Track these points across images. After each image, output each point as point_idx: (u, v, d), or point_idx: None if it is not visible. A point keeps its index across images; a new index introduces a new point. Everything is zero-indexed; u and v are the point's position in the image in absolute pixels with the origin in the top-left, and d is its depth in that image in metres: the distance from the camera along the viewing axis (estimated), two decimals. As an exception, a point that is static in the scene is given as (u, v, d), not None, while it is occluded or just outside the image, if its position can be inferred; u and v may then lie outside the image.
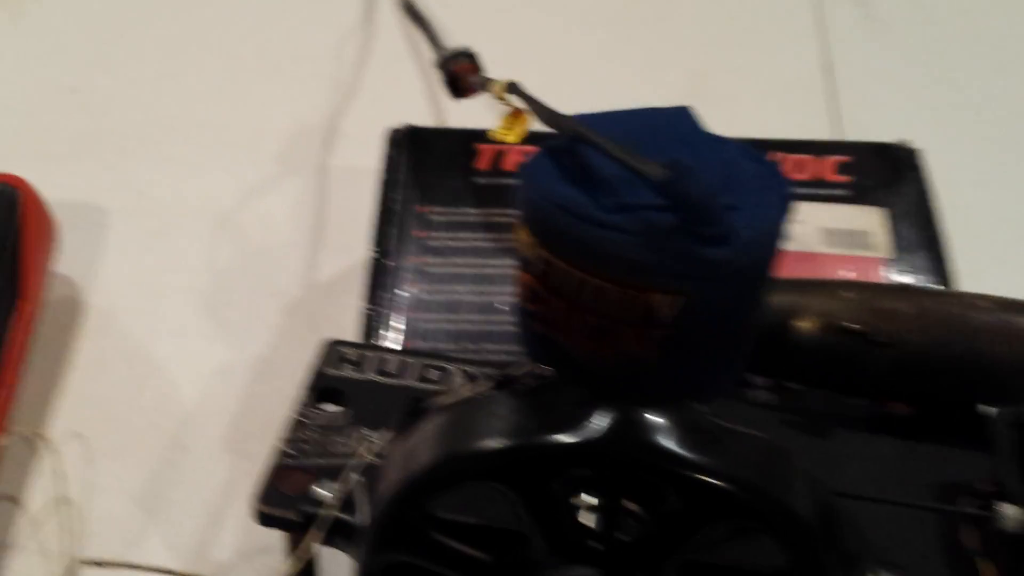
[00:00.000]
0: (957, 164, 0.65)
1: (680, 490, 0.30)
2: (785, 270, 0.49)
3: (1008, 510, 0.35)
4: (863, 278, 0.48)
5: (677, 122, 0.33)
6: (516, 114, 0.36)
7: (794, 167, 0.52)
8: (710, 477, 0.29)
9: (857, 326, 0.40)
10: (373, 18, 0.75)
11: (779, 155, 0.53)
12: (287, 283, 0.61)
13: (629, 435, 0.30)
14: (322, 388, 0.43)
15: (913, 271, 0.48)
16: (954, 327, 0.40)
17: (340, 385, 0.43)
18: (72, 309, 0.60)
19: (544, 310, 0.32)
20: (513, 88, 0.35)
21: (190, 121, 0.69)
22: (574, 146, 0.31)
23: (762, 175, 0.32)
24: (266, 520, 0.39)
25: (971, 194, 0.64)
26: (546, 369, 0.33)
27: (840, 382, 0.42)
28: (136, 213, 0.65)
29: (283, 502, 0.39)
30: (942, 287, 0.47)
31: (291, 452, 0.41)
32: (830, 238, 0.49)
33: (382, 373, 0.44)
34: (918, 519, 0.38)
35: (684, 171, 0.28)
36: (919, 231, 0.50)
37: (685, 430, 0.31)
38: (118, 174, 0.67)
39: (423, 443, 0.32)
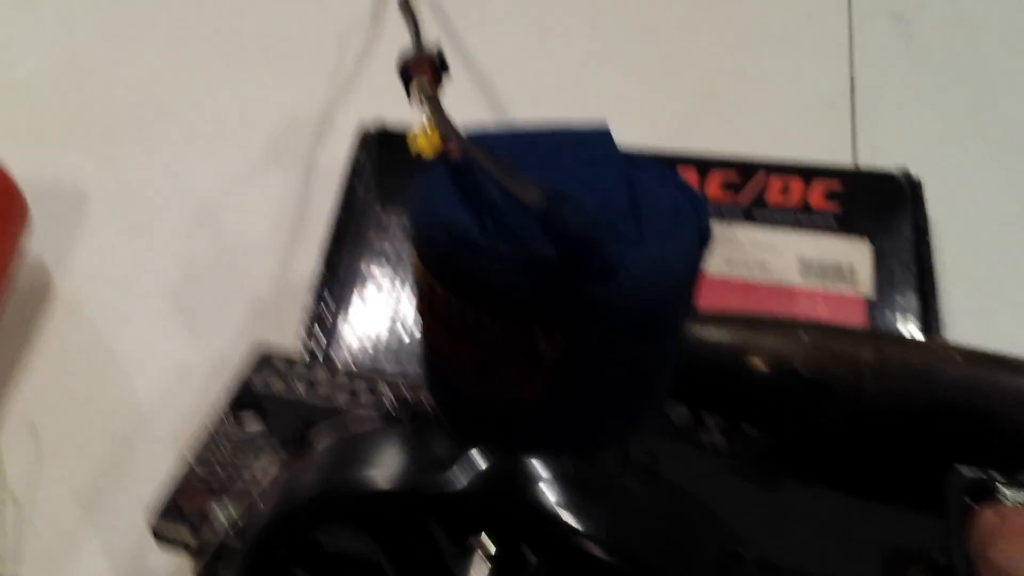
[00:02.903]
0: (970, 205, 0.61)
1: (547, 551, 0.27)
2: (754, 303, 0.46)
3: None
4: (838, 316, 0.44)
5: (591, 142, 0.30)
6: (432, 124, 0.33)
7: (779, 191, 0.49)
8: (580, 540, 0.26)
9: (810, 373, 0.37)
10: (382, 13, 0.73)
11: (764, 176, 0.49)
12: (260, 284, 0.59)
13: (502, 487, 0.28)
14: (244, 400, 0.41)
15: (895, 313, 0.44)
16: (916, 379, 0.36)
17: (263, 399, 0.41)
18: (40, 295, 0.59)
19: (431, 340, 0.30)
20: (424, 92, 0.33)
21: (184, 108, 0.68)
22: (470, 163, 0.28)
23: (679, 206, 0.29)
24: (159, 536, 0.37)
25: (978, 239, 0.60)
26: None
27: (793, 430, 0.39)
28: (117, 202, 0.63)
29: (180, 519, 0.37)
30: (913, 335, 0.43)
31: (198, 466, 0.39)
32: (807, 271, 0.46)
33: (311, 391, 0.41)
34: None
35: (562, 197, 0.25)
36: (908, 270, 0.46)
37: (567, 485, 0.28)
38: (104, 159, 0.65)
39: (293, 477, 0.30)
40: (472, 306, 0.27)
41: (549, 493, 0.27)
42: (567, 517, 0.27)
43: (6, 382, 0.55)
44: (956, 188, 0.56)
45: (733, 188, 0.49)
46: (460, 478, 0.28)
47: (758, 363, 0.38)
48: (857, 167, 0.50)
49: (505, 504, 0.27)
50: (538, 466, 0.28)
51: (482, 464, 0.28)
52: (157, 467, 0.51)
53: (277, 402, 0.41)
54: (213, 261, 0.61)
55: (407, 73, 0.45)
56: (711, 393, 0.40)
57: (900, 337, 0.37)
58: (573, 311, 0.26)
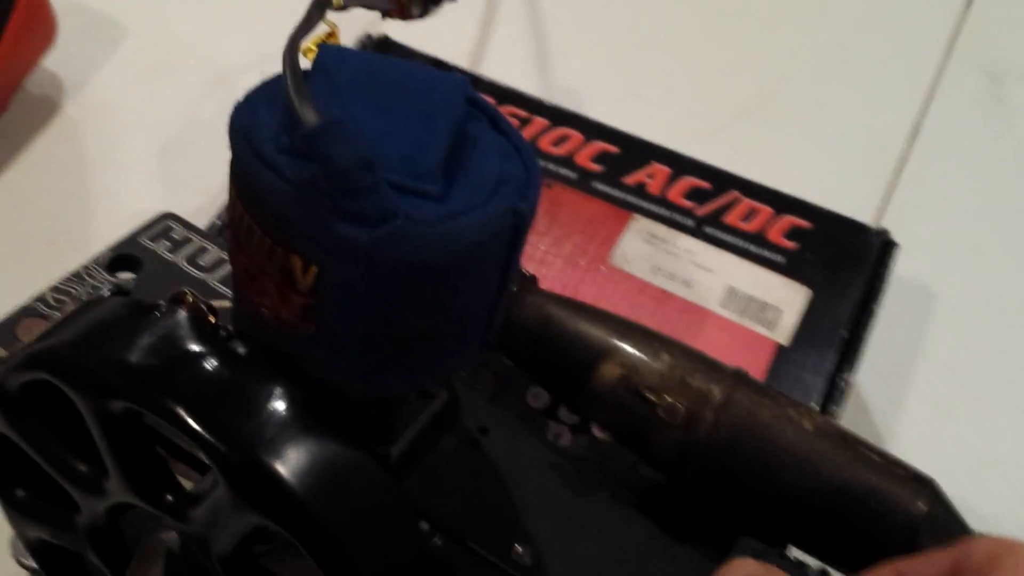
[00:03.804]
0: (977, 309, 0.55)
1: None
2: (661, 314, 0.44)
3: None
4: (740, 352, 0.42)
5: (444, 90, 0.29)
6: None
7: (743, 214, 0.46)
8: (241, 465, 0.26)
9: (652, 395, 0.35)
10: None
11: (736, 195, 0.47)
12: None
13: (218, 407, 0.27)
14: (125, 254, 0.41)
15: (801, 370, 0.42)
16: (752, 433, 0.34)
17: (144, 257, 0.41)
18: (46, 110, 0.61)
19: (228, 237, 0.29)
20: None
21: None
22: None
23: (506, 180, 0.28)
24: (-13, 354, 0.38)
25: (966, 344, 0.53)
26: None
27: (629, 444, 0.37)
28: (152, 42, 0.64)
29: (8, 343, 0.37)
30: (803, 398, 0.41)
31: (49, 300, 0.39)
32: (730, 300, 0.43)
33: (192, 263, 0.41)
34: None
35: (336, 127, 0.24)
36: (836, 333, 0.43)
37: (302, 430, 0.27)
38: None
39: (51, 327, 0.30)
40: (247, 212, 0.27)
41: (273, 429, 0.27)
42: (268, 457, 0.26)
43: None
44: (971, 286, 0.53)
45: (699, 197, 0.47)
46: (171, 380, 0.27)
47: (608, 370, 0.36)
48: (831, 210, 0.47)
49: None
50: (280, 397, 0.28)
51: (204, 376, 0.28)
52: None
53: (156, 261, 0.41)
54: (215, 125, 0.60)
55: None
56: (563, 386, 0.38)
57: (763, 387, 0.35)
58: (327, 246, 0.25)
